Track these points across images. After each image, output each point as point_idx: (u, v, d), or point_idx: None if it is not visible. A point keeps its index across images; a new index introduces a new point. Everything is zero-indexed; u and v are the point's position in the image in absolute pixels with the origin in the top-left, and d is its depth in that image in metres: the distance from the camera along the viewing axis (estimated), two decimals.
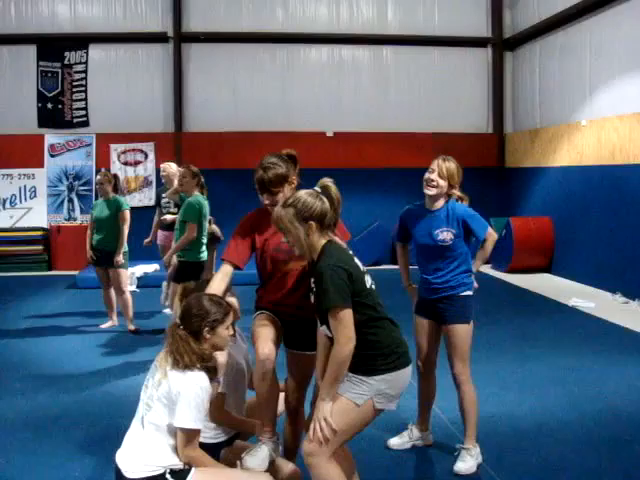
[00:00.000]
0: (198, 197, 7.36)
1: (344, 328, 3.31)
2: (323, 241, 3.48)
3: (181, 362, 3.37)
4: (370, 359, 3.40)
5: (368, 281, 3.52)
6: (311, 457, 3.34)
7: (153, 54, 14.25)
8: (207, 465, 3.45)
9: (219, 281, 3.88)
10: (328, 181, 3.59)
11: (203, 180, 7.52)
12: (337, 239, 3.57)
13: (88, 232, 8.52)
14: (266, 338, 3.75)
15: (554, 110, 13.00)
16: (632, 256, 10.24)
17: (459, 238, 4.51)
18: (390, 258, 13.51)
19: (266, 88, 14.28)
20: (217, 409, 3.81)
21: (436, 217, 4.52)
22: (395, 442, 4.81)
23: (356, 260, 3.55)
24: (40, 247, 13.54)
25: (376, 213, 13.63)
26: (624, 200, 10.51)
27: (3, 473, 4.43)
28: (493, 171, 14.72)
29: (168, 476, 3.30)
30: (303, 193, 3.51)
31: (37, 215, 13.86)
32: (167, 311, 9.12)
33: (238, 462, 3.57)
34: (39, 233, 13.62)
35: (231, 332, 3.61)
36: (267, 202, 3.87)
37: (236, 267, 3.94)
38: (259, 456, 3.64)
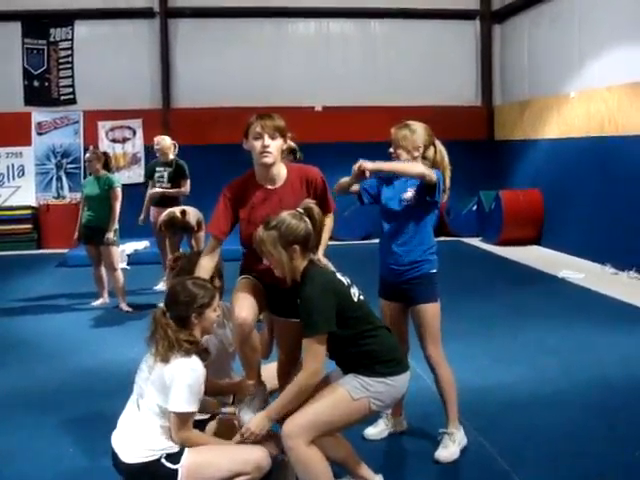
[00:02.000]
0: None
1: (314, 360, 3.34)
2: (305, 263, 3.47)
3: (173, 350, 3.37)
4: (370, 366, 3.41)
5: (355, 294, 3.51)
6: (289, 440, 3.32)
7: (139, 30, 14.11)
8: (202, 443, 3.48)
9: (207, 259, 3.89)
10: (310, 202, 3.59)
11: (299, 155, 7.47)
12: (317, 257, 3.58)
13: (80, 211, 8.51)
14: (243, 302, 3.74)
15: (543, 82, 12.98)
16: (621, 227, 10.28)
17: (419, 205, 4.28)
18: (380, 232, 13.49)
19: (254, 63, 14.18)
20: None
21: (406, 181, 4.33)
22: (372, 432, 4.59)
23: (339, 276, 3.55)
24: (29, 226, 13.47)
25: None
26: (613, 171, 10.53)
27: None
28: (482, 144, 14.71)
29: (163, 460, 3.32)
30: (286, 215, 3.48)
31: (25, 194, 13.77)
32: (158, 287, 9.14)
33: (235, 422, 3.59)
34: (28, 212, 13.54)
35: (218, 313, 3.62)
36: (266, 144, 3.78)
37: (218, 239, 3.93)
38: (252, 409, 3.69)
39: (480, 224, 13.67)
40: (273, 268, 3.54)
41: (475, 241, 13.42)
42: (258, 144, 3.81)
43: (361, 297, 3.55)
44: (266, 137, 3.79)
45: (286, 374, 3.98)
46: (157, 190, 8.84)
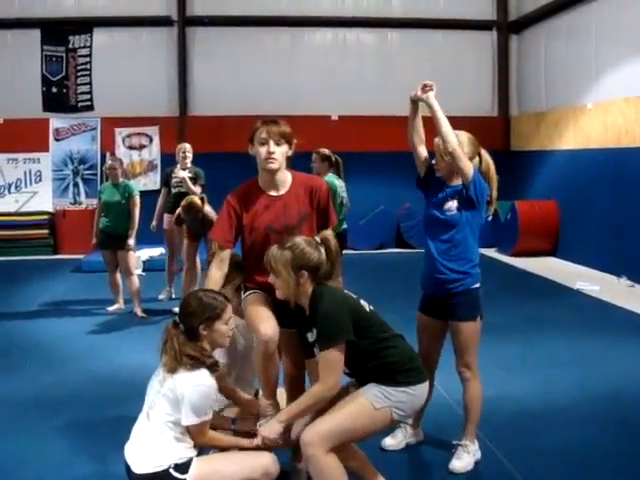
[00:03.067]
0: (331, 177, 7.66)
1: (333, 373, 3.35)
2: (311, 288, 3.49)
3: (178, 362, 3.39)
4: (391, 375, 3.40)
5: (365, 305, 3.52)
6: (309, 447, 3.32)
7: (157, 38, 14.22)
8: (220, 443, 3.55)
9: (215, 269, 3.87)
10: (328, 234, 3.61)
11: (335, 160, 7.87)
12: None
13: (96, 216, 8.55)
14: (267, 318, 3.69)
15: (560, 93, 12.95)
16: (637, 240, 10.21)
17: (463, 215, 4.24)
18: (395, 242, 13.54)
19: (270, 72, 14.24)
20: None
21: (452, 191, 4.28)
22: (390, 442, 4.57)
23: (346, 292, 3.57)
24: (46, 231, 13.57)
25: (380, 197, 13.62)
26: (630, 184, 10.48)
27: (12, 454, 4.45)
28: (498, 154, 14.40)
29: (172, 471, 3.33)
30: (302, 241, 3.51)
31: (42, 199, 13.86)
32: (161, 297, 9.16)
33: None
34: (44, 217, 13.65)
35: (231, 326, 3.61)
36: (272, 150, 3.77)
37: (223, 248, 3.90)
38: None
39: (495, 235, 13.61)
40: (277, 288, 3.55)
41: (490, 252, 13.37)
42: (263, 150, 3.80)
43: (371, 308, 3.56)
44: (271, 143, 3.78)
45: (295, 385, 3.95)
46: (181, 173, 8.79)
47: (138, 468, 3.36)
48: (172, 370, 3.39)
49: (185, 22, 14.14)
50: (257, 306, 3.78)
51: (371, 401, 3.37)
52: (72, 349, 7.01)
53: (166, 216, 9.08)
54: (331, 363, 3.34)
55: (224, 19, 14.09)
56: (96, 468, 4.27)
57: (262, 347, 3.67)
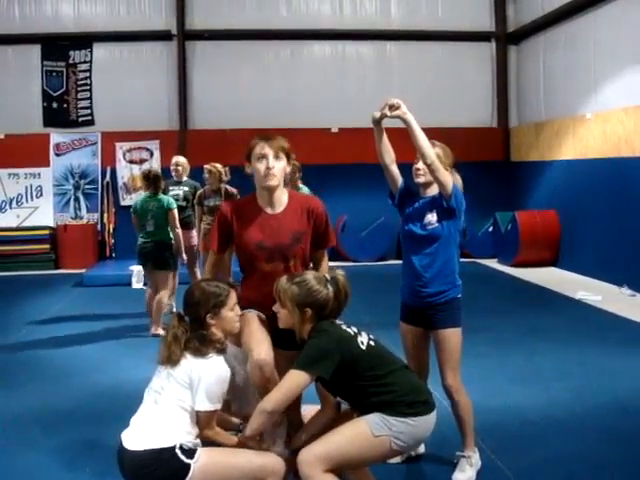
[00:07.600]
0: (305, 187, 8.33)
1: (282, 392, 3.33)
2: (312, 325, 3.47)
3: (184, 348, 3.40)
4: (393, 407, 3.35)
5: (363, 342, 3.45)
6: (304, 466, 3.28)
7: (157, 52, 14.30)
8: (222, 441, 3.51)
9: (211, 268, 4.00)
10: (339, 273, 3.58)
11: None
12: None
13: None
14: (261, 340, 3.67)
15: (559, 103, 12.98)
16: (638, 249, 10.22)
17: (442, 227, 4.23)
18: (396, 253, 13.53)
19: (270, 85, 14.29)
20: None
21: (428, 202, 4.29)
22: None
23: (345, 327, 3.51)
24: (47, 246, 13.57)
25: (381, 208, 13.45)
26: (630, 193, 10.49)
27: (14, 470, 4.44)
28: (498, 165, 14.70)
29: (178, 451, 3.27)
30: (312, 277, 3.50)
31: (43, 214, 13.91)
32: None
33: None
34: (46, 232, 13.66)
35: (238, 312, 3.61)
36: (271, 165, 3.76)
37: (215, 253, 3.99)
38: (279, 436, 3.68)
39: (496, 245, 13.64)
40: (279, 318, 3.55)
41: (491, 262, 13.38)
42: (262, 166, 3.77)
43: (371, 342, 3.49)
44: (270, 158, 3.77)
45: (292, 405, 3.87)
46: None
47: (140, 445, 3.28)
48: (176, 360, 3.38)
49: (185, 36, 14.21)
50: (253, 328, 3.76)
51: (371, 428, 3.32)
52: (74, 364, 7.00)
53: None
54: (288, 382, 3.32)
55: (223, 33, 14.14)
56: None
57: (257, 372, 3.64)
